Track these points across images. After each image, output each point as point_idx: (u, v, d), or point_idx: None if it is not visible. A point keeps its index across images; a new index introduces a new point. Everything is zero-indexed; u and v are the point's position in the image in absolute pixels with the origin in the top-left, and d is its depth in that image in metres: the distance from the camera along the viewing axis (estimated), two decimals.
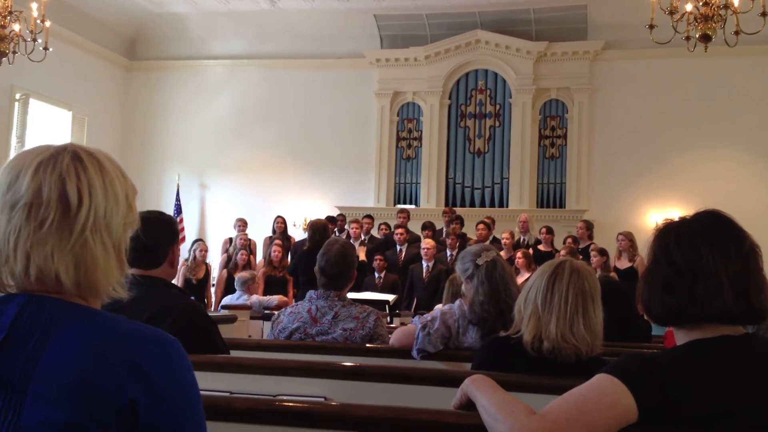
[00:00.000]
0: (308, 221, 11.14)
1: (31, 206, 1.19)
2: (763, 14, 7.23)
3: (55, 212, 1.19)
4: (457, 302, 3.51)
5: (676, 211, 10.75)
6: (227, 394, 2.40)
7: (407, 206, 12.69)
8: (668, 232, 1.65)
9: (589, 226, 10.16)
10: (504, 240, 9.62)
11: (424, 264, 9.13)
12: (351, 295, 3.90)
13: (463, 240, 9.70)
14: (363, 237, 10.49)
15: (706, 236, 1.59)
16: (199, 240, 10.35)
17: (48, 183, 1.20)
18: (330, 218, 11.05)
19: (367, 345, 3.53)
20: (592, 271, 2.65)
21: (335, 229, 10.78)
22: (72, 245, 1.19)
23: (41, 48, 9.14)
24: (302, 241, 10.78)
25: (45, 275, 1.18)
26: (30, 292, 1.19)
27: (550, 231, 10.02)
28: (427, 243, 9.29)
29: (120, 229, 1.27)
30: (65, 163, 1.23)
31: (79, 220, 1.20)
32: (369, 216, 11.22)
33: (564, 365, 2.45)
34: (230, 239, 10.88)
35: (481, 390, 1.63)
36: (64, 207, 1.19)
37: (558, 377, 2.34)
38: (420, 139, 13.69)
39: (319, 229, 8.07)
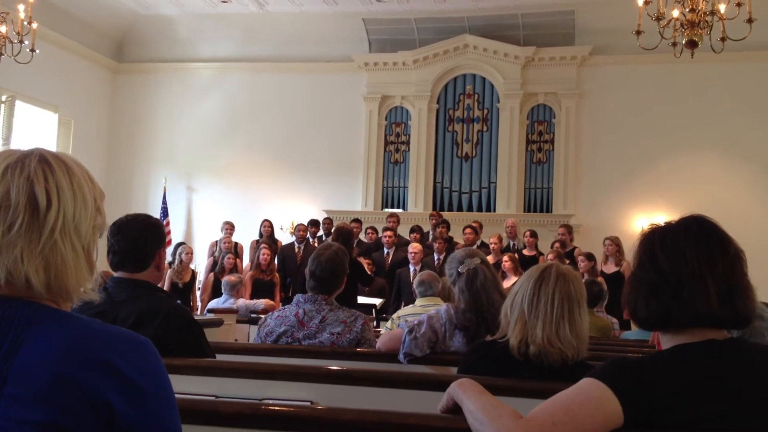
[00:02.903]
0: (326, 224, 11.08)
1: None
2: (749, 21, 7.28)
3: (24, 215, 1.19)
4: (444, 307, 3.51)
5: (662, 215, 10.81)
6: (213, 398, 2.40)
7: (396, 210, 12.72)
8: (654, 237, 1.66)
9: (569, 230, 10.22)
10: (492, 245, 9.63)
11: (412, 268, 9.12)
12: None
13: (450, 244, 9.71)
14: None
15: (692, 241, 1.60)
16: (183, 243, 10.31)
17: (16, 186, 1.20)
18: (314, 221, 11.04)
19: (354, 349, 3.52)
20: (578, 276, 2.66)
21: (322, 234, 10.78)
22: (42, 247, 1.19)
23: (28, 50, 9.11)
24: (290, 245, 10.79)
25: (15, 278, 1.18)
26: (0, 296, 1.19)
27: (534, 235, 10.05)
28: (414, 247, 9.28)
29: (89, 232, 1.27)
30: (33, 166, 1.23)
31: (48, 222, 1.20)
32: (357, 220, 11.22)
33: (550, 369, 2.46)
34: (216, 242, 10.85)
35: (467, 394, 1.63)
36: (33, 209, 1.19)
37: (544, 381, 2.35)
38: (408, 143, 13.70)
39: (343, 234, 7.96)
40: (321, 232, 10.96)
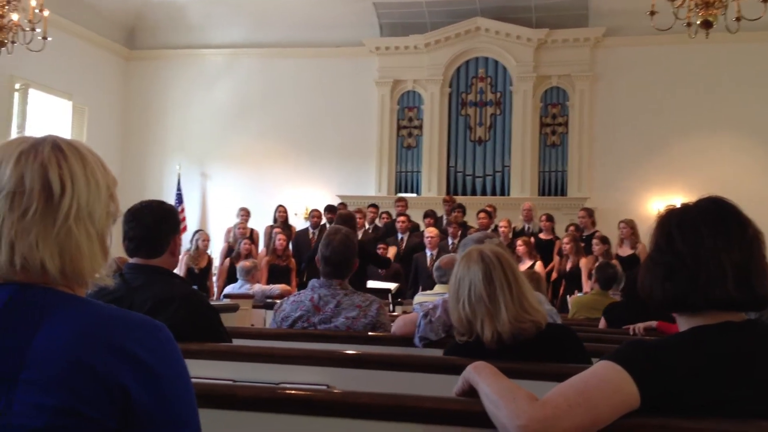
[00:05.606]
0: (317, 210, 11.06)
1: (14, 195, 1.19)
2: (765, 0, 7.19)
3: (39, 201, 1.19)
4: None
5: (678, 198, 10.73)
6: (230, 383, 2.41)
7: (408, 195, 12.70)
8: (671, 219, 1.64)
9: (590, 214, 10.11)
10: (502, 228, 9.59)
11: (428, 252, 9.12)
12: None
13: (464, 228, 9.70)
14: (367, 226, 10.48)
15: (709, 223, 1.58)
16: (200, 230, 10.36)
17: (30, 172, 1.21)
18: (330, 207, 11.03)
19: (370, 333, 3.53)
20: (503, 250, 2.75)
21: (325, 222, 10.75)
22: (56, 233, 1.20)
23: (40, 37, 9.12)
24: (304, 231, 10.80)
25: (30, 264, 1.19)
26: (16, 282, 1.20)
27: (550, 218, 10.00)
28: (431, 231, 9.28)
29: (103, 218, 1.27)
30: (46, 153, 1.23)
31: (62, 208, 1.21)
32: (374, 205, 11.22)
33: (526, 343, 2.49)
34: (231, 228, 10.88)
35: (482, 377, 1.63)
36: (47, 195, 1.20)
37: (552, 362, 2.39)
38: (421, 127, 13.67)
39: (345, 220, 7.97)
40: (324, 221, 10.83)
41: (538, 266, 8.56)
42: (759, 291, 1.56)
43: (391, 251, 9.18)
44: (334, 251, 3.68)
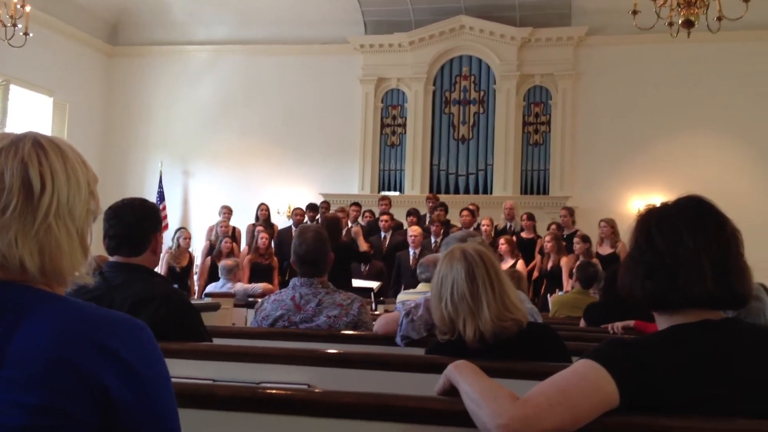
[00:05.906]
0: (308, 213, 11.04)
1: None
2: (745, 0, 7.25)
3: (18, 198, 1.18)
4: None
5: (658, 197, 10.79)
6: (210, 382, 2.40)
7: (391, 193, 12.70)
8: (650, 218, 1.65)
9: (571, 213, 10.16)
10: (484, 227, 9.61)
11: (411, 251, 9.12)
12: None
13: (447, 227, 9.71)
14: (350, 225, 10.45)
15: (688, 222, 1.59)
16: (182, 228, 10.32)
17: (10, 169, 1.19)
18: (312, 206, 11.00)
19: (351, 332, 3.53)
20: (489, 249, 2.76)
21: (316, 217, 10.74)
22: (36, 231, 1.19)
23: (21, 33, 9.05)
24: (287, 229, 10.77)
25: (9, 262, 1.18)
26: None
27: (531, 217, 10.03)
28: (414, 230, 9.28)
29: (83, 216, 1.26)
30: (26, 150, 1.22)
31: (42, 205, 1.19)
32: (357, 203, 11.21)
33: (508, 342, 2.49)
34: (213, 226, 10.84)
35: (463, 376, 1.63)
36: (27, 192, 1.19)
37: (533, 360, 2.40)
38: (404, 125, 13.67)
39: (332, 224, 7.90)
40: (306, 219, 10.80)
41: (520, 265, 8.58)
42: (737, 289, 1.57)
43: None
44: (309, 249, 3.67)
